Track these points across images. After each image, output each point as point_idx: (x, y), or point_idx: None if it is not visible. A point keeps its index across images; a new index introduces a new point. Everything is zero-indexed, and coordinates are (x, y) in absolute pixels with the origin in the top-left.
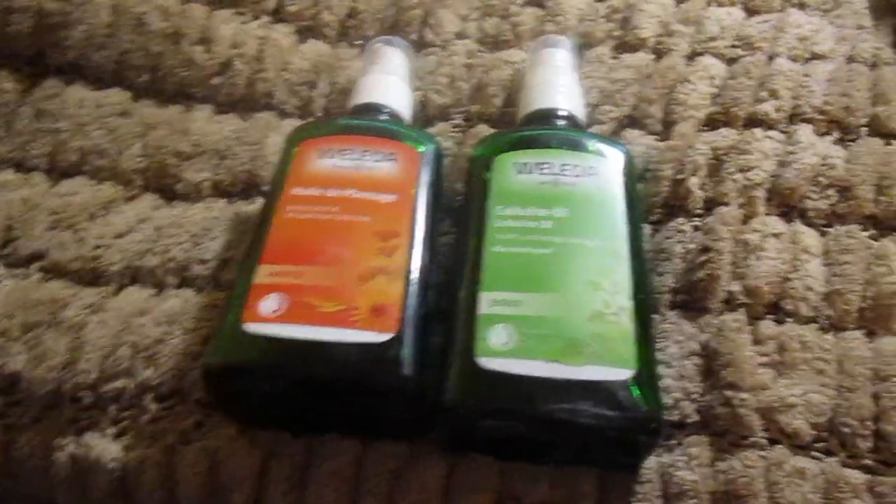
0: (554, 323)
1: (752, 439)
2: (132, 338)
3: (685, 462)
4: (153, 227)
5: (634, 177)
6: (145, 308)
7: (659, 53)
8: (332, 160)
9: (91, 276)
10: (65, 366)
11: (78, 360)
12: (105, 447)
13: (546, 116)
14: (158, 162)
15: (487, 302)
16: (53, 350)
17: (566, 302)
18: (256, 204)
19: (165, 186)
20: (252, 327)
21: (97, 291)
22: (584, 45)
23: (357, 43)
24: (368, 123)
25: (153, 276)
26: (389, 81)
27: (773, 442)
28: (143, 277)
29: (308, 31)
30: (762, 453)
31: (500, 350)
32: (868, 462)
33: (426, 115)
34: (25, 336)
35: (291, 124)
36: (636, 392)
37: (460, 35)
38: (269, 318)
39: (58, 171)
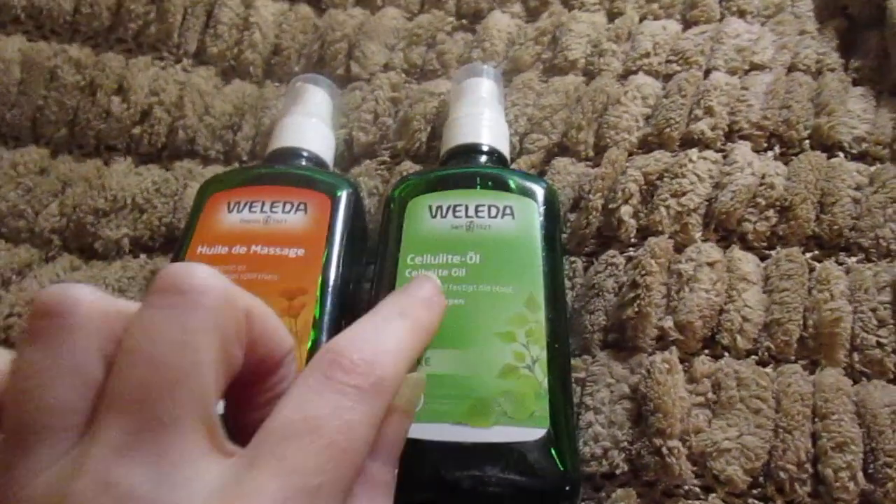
0: (462, 381)
1: (684, 488)
2: None
3: None
4: None
5: (556, 215)
6: None
7: (590, 74)
8: (239, 214)
9: (4, 347)
10: None
11: None
12: None
13: (468, 152)
14: (76, 220)
15: None
16: None
17: (476, 357)
18: None
19: (84, 245)
20: None
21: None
22: (512, 69)
23: (285, 79)
24: (281, 171)
25: None
26: (307, 125)
27: (707, 490)
28: None
29: (232, 72)
30: (696, 503)
31: None
32: None
33: (352, 154)
34: None
35: (215, 170)
36: (550, 453)
37: (387, 66)
38: None
39: None
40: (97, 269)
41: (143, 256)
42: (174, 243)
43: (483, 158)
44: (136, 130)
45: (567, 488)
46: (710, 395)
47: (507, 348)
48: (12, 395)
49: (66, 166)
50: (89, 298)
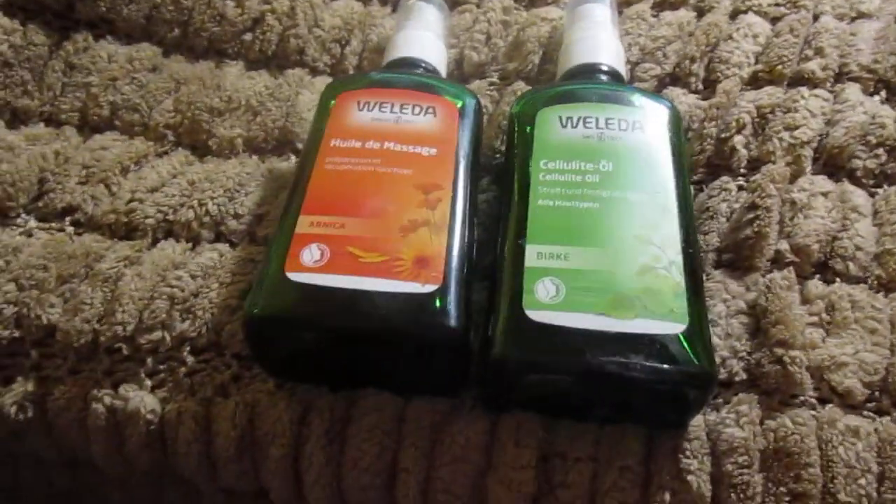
0: (602, 276)
1: (801, 398)
2: (168, 290)
3: (734, 420)
4: (187, 182)
5: (680, 133)
6: (181, 261)
7: (700, 11)
8: (370, 113)
9: (125, 230)
10: (101, 317)
11: (114, 311)
12: (142, 399)
13: (588, 71)
14: (190, 117)
15: (534, 255)
16: (89, 302)
17: (614, 256)
18: (290, 160)
19: (198, 142)
20: (295, 277)
21: (132, 245)
22: (624, 1)
23: (390, 1)
24: (406, 77)
25: (188, 230)
26: (425, 37)
27: (823, 401)
28: (178, 231)
29: None
30: (813, 412)
31: (548, 303)
32: None
33: (462, 73)
34: (60, 288)
35: (323, 81)
36: (688, 346)
37: None
38: (311, 268)
39: (89, 126)
40: (213, 164)
41: (255, 157)
42: (286, 146)
43: (604, 77)
44: (248, 37)
45: (705, 380)
46: (824, 315)
47: (645, 250)
48: None
49: (179, 66)
50: None
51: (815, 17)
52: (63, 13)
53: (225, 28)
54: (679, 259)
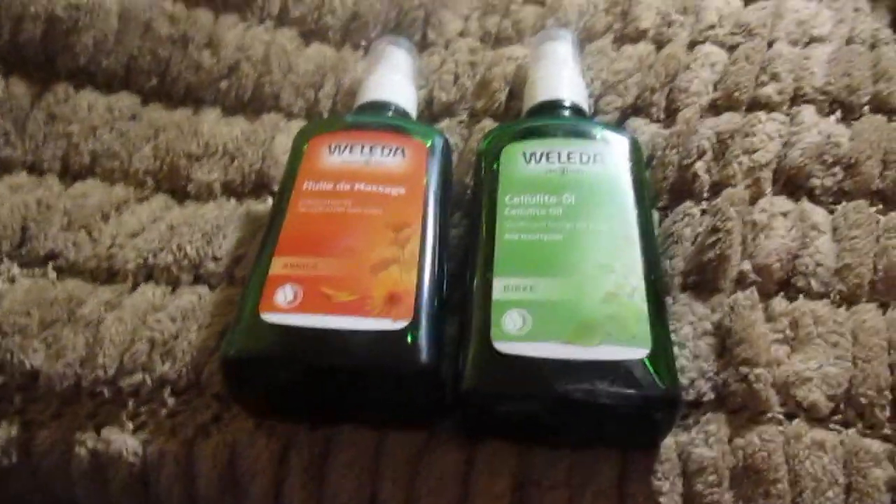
0: (567, 306)
1: (769, 414)
2: (149, 333)
3: (703, 439)
4: (166, 226)
5: (641, 162)
6: (160, 304)
7: (659, 43)
8: (341, 156)
9: (106, 275)
10: (83, 361)
11: (96, 355)
12: (124, 441)
13: (551, 107)
14: (169, 163)
15: (501, 288)
16: (71, 346)
17: (579, 285)
18: (266, 203)
19: (177, 187)
20: (269, 317)
21: (113, 289)
22: (585, 38)
23: (361, 45)
24: (375, 119)
25: (168, 273)
26: (394, 80)
27: (790, 416)
28: (158, 275)
29: (312, 35)
30: (780, 428)
31: (516, 334)
32: (887, 431)
33: (432, 113)
34: (43, 333)
35: (298, 125)
36: (652, 370)
37: (462, 33)
38: (285, 309)
39: (70, 174)
40: (192, 208)
41: (233, 200)
42: (263, 189)
43: (566, 113)
44: (224, 84)
45: (671, 401)
46: (788, 332)
47: (608, 278)
48: None
49: (157, 114)
50: None
51: (770, 44)
52: (44, 65)
53: (201, 76)
54: (642, 285)
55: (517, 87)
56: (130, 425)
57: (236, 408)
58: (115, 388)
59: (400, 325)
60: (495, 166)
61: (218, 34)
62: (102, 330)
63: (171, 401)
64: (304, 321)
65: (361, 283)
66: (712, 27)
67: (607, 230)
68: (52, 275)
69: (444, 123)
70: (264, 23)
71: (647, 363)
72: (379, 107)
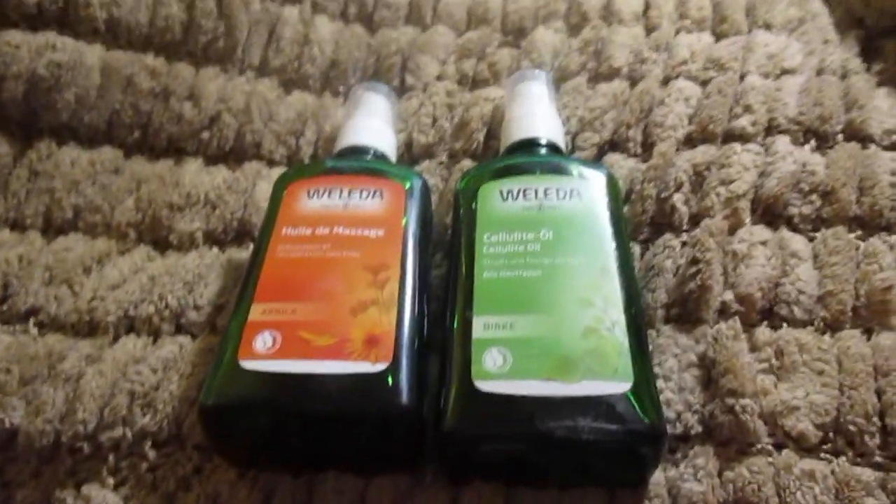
0: (547, 342)
1: (757, 446)
2: (129, 385)
3: (692, 474)
4: (147, 277)
5: (618, 197)
6: (141, 356)
7: (633, 80)
8: (319, 200)
9: (87, 328)
10: (63, 416)
11: (76, 409)
12: (104, 497)
13: (528, 145)
14: (151, 215)
15: (481, 326)
16: (51, 401)
17: (558, 321)
18: (248, 250)
19: (159, 238)
20: (248, 364)
21: (94, 342)
22: (560, 77)
23: (341, 91)
24: (354, 164)
25: (149, 324)
26: (372, 124)
27: (779, 447)
28: (140, 326)
29: (292, 84)
30: (769, 459)
31: (496, 372)
32: (878, 459)
33: (412, 155)
34: (23, 390)
35: (280, 172)
36: (636, 404)
37: (440, 77)
38: (264, 355)
39: (53, 229)
40: (174, 258)
41: (215, 249)
42: (245, 236)
43: (543, 150)
44: (205, 134)
45: (656, 436)
46: (773, 361)
47: (587, 313)
48: None
49: (140, 166)
50: None
51: (742, 77)
52: (26, 122)
53: (183, 128)
54: (622, 319)
55: (495, 128)
56: (111, 481)
57: (218, 459)
58: (95, 443)
59: (379, 367)
60: (473, 205)
61: (199, 86)
62: (82, 384)
63: (151, 454)
64: (283, 367)
65: (340, 325)
66: (685, 63)
67: (586, 264)
68: (34, 330)
69: (423, 165)
70: (245, 74)
71: (630, 397)
72: (358, 151)
